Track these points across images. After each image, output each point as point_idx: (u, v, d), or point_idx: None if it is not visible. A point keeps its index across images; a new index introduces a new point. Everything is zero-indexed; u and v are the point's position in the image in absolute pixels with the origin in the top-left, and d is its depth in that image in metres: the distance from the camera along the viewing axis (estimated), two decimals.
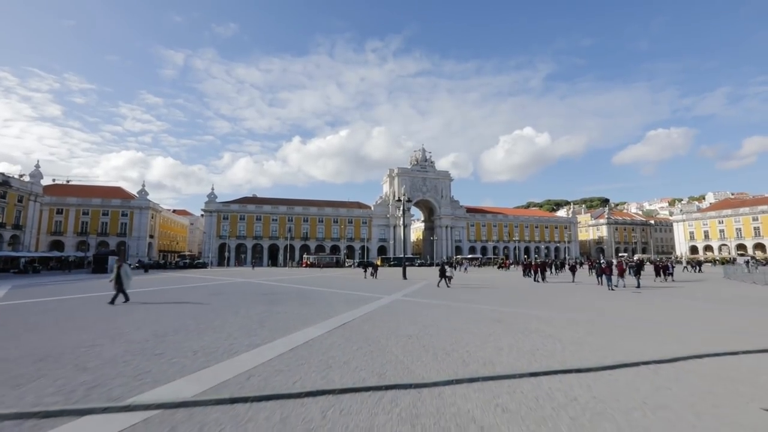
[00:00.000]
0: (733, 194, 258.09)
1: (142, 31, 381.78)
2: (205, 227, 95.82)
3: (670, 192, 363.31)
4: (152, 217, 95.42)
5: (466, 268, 41.52)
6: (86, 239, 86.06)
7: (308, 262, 72.93)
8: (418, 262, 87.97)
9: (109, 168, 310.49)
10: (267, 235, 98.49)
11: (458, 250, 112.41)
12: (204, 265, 65.59)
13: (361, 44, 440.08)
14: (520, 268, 49.03)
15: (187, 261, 67.74)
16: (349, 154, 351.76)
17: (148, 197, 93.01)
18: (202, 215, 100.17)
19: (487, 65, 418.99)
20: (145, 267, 47.86)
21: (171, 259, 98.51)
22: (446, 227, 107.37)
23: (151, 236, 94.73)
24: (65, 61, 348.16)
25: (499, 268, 44.90)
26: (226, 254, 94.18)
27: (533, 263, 30.30)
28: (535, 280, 29.39)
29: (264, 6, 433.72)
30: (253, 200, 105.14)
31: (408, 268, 34.39)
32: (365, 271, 34.52)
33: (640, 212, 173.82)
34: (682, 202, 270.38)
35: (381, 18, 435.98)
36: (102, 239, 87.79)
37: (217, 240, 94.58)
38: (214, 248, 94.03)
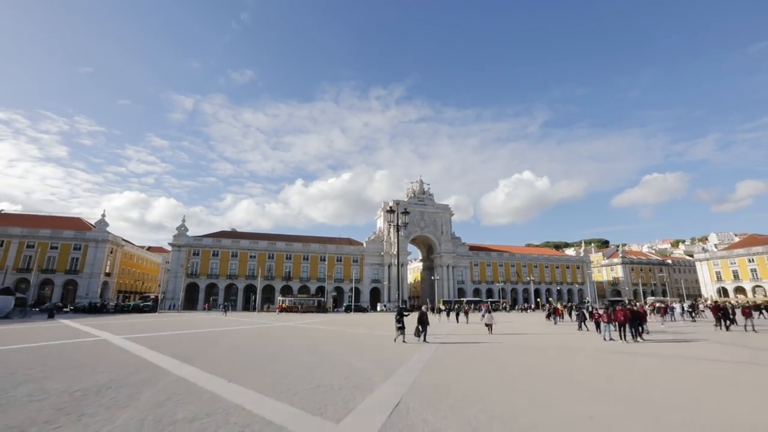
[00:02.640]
0: (736, 235, 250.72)
1: (157, 77, 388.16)
2: (171, 264, 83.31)
3: (669, 234, 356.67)
4: (111, 252, 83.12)
5: (483, 314, 29.56)
6: (28, 276, 73.56)
7: (284, 306, 60.27)
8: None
9: (110, 208, 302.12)
10: (243, 274, 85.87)
11: (461, 292, 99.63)
12: (152, 309, 52.58)
13: (365, 92, 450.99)
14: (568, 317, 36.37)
15: (131, 304, 54.82)
16: (351, 197, 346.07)
17: (108, 228, 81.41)
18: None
19: (486, 112, 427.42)
20: (50, 311, 35.28)
21: (133, 300, 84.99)
22: (447, 266, 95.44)
23: (108, 274, 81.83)
24: (78, 105, 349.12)
25: (548, 317, 31.38)
26: (184, 294, 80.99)
27: (620, 309, 18.55)
28: (622, 338, 17.76)
29: (278, 54, 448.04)
30: (231, 234, 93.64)
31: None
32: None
33: (653, 251, 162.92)
34: (685, 243, 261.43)
35: (385, 68, 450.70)
36: (47, 276, 75.00)
37: (185, 279, 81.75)
38: (181, 288, 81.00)
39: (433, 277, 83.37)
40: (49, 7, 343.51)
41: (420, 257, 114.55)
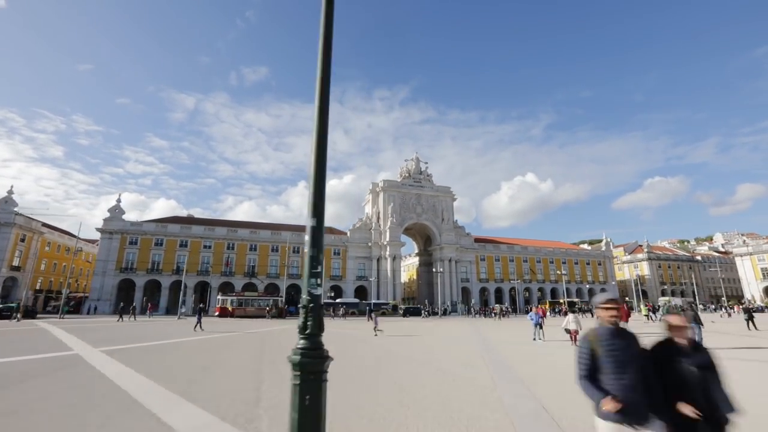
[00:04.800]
0: (742, 234, 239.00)
1: (157, 74, 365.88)
2: (99, 255, 65.46)
3: (668, 236, 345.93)
4: (22, 240, 65.16)
5: (534, 320, 15.92)
6: None
7: (224, 308, 42.93)
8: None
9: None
10: (195, 269, 68.33)
11: (465, 291, 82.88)
12: (9, 314, 34.66)
13: (369, 93, 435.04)
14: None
15: None
16: (352, 199, 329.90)
17: (17, 208, 63.45)
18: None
19: (489, 115, 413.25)
20: None
21: (61, 301, 66.96)
22: (449, 260, 78.52)
23: (16, 268, 63.84)
24: (76, 103, 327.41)
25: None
26: (116, 293, 63.27)
27: None
28: None
29: (283, 53, 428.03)
30: (181, 220, 76.06)
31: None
32: None
33: (675, 246, 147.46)
34: (690, 243, 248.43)
35: (390, 69, 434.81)
36: None
37: (117, 275, 64.18)
38: (111, 286, 63.38)
39: (436, 270, 66.25)
40: (48, 1, 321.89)
41: (415, 251, 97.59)
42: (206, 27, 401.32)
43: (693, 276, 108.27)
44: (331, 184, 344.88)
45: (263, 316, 44.91)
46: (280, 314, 44.77)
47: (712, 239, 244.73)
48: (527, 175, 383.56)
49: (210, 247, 70.09)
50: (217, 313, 43.96)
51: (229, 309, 43.15)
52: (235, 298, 45.32)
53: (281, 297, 46.88)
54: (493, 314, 55.93)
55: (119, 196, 68.09)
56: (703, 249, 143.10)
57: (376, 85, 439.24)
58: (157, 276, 66.20)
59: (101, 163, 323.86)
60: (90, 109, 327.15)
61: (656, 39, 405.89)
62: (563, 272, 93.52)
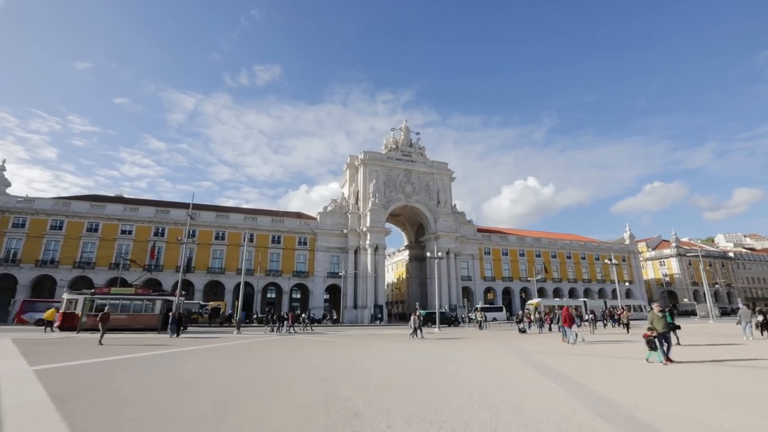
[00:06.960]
0: (745, 236, 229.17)
1: (158, 73, 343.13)
2: None
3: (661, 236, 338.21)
4: None
5: None
6: None
7: (68, 314, 25.67)
8: None
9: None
10: (107, 261, 50.78)
11: (466, 292, 66.21)
12: None
13: (373, 95, 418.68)
14: None
15: None
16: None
17: None
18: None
19: (493, 119, 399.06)
20: None
21: None
22: (447, 252, 61.91)
23: None
24: (72, 103, 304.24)
25: None
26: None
27: None
28: None
29: (288, 53, 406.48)
30: (94, 198, 58.37)
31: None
32: None
33: (700, 242, 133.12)
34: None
35: (395, 71, 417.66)
36: None
37: None
38: None
39: (430, 255, 49.19)
40: None
41: (405, 244, 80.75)
42: (208, 25, 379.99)
43: (728, 275, 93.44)
44: (332, 188, 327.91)
45: (153, 328, 27.59)
46: (163, 324, 27.05)
47: (713, 240, 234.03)
48: (528, 179, 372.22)
49: (131, 232, 52.57)
50: (57, 324, 26.45)
51: (79, 317, 25.86)
52: (92, 296, 27.61)
53: (178, 296, 28.89)
54: (525, 324, 31.77)
55: (3, 161, 50.22)
56: (725, 245, 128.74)
57: (380, 87, 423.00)
58: (52, 271, 48.39)
59: (95, 165, 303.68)
60: (86, 109, 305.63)
61: (661, 42, 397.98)
62: (583, 270, 77.53)
